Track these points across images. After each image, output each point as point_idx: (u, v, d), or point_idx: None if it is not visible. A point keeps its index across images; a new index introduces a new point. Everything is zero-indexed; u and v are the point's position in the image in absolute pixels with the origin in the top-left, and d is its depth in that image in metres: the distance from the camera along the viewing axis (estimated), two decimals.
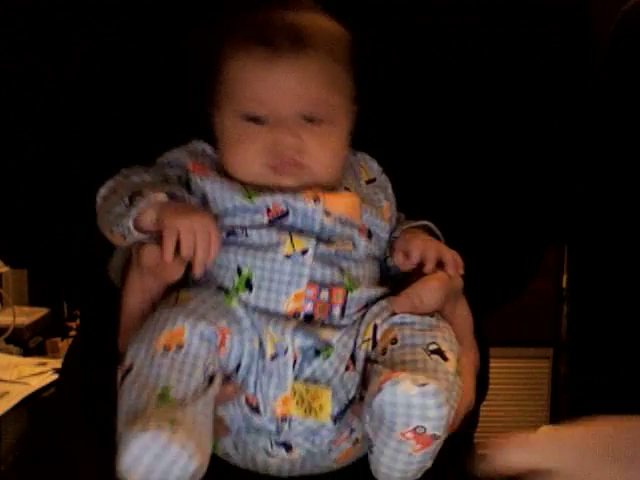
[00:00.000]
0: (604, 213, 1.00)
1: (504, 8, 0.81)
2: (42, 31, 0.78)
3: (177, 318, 0.65)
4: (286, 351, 0.67)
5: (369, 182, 0.78)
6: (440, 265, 0.74)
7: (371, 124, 0.76)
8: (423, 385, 0.61)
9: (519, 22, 0.81)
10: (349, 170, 0.77)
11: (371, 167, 0.79)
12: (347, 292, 0.70)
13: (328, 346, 0.68)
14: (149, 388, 0.61)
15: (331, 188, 0.74)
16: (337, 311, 0.70)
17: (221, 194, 0.72)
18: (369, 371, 0.68)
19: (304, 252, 0.69)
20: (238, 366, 0.68)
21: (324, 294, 0.69)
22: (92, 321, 0.88)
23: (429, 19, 0.79)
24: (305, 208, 0.70)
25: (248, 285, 0.69)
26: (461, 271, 0.74)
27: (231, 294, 0.69)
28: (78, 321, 2.11)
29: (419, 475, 0.64)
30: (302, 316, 0.69)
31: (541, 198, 0.85)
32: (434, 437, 0.62)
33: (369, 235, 0.74)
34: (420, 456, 0.62)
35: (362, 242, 0.73)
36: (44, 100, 0.78)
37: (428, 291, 0.71)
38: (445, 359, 0.66)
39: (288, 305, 0.69)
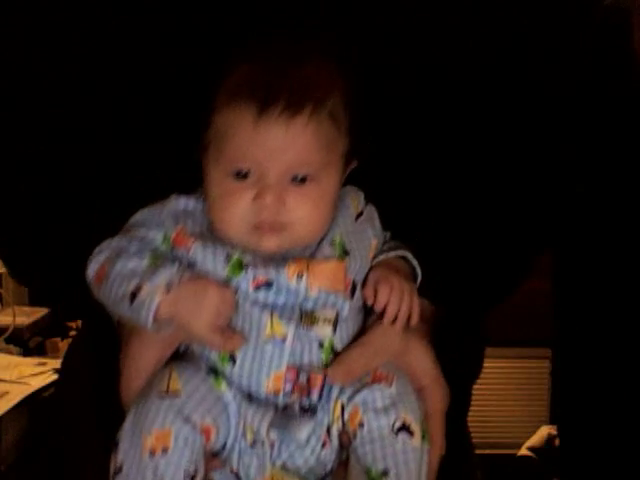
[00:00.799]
0: (601, 213, 1.00)
1: (500, 11, 0.80)
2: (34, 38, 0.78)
3: (166, 417, 0.67)
4: (263, 443, 0.70)
5: (358, 216, 0.78)
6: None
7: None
8: None
9: (517, 25, 0.81)
10: (341, 206, 0.77)
11: (358, 199, 0.79)
12: (324, 378, 0.72)
13: (301, 439, 0.71)
14: None
15: (320, 240, 0.74)
16: (315, 394, 0.72)
17: (204, 265, 0.72)
18: (348, 467, 0.71)
19: (283, 338, 0.71)
20: (223, 446, 0.71)
21: (303, 377, 0.71)
22: (92, 328, 0.88)
23: (427, 30, 0.79)
24: (288, 283, 0.71)
25: (232, 359, 0.71)
26: (413, 322, 0.75)
27: (219, 375, 0.71)
28: (78, 321, 2.11)
29: None
30: (281, 396, 0.71)
31: (535, 200, 0.85)
32: None
33: (353, 289, 0.75)
34: None
35: (346, 305, 0.73)
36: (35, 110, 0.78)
37: (358, 358, 0.73)
38: (411, 433, 0.70)
39: (268, 385, 0.71)
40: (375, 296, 0.74)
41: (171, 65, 0.76)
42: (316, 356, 0.72)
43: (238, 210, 0.71)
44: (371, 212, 0.80)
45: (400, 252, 0.79)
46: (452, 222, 0.81)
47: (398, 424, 0.70)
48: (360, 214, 0.79)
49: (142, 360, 0.73)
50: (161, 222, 0.74)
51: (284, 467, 0.71)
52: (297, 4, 0.76)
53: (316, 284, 0.71)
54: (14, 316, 1.94)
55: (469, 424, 1.05)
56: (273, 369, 0.71)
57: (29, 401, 1.63)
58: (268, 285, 0.71)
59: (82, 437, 0.89)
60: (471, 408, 1.07)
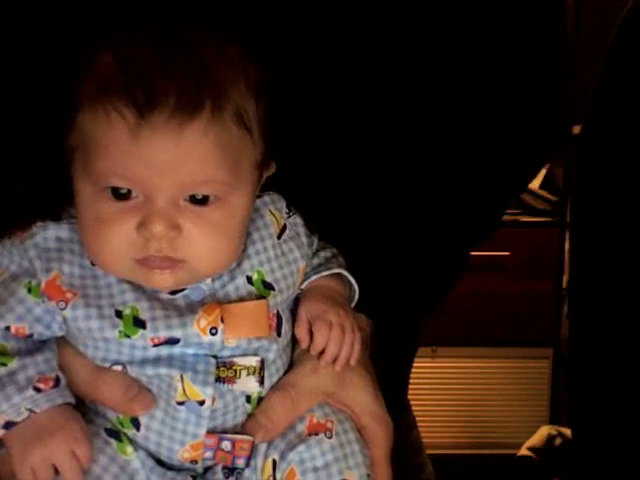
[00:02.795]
0: (604, 213, 1.00)
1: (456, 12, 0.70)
2: None
3: None
4: None
5: (279, 236, 0.64)
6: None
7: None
8: None
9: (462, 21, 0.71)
10: (259, 222, 0.64)
11: (279, 209, 0.65)
12: (253, 443, 0.60)
13: None
14: None
15: (232, 272, 0.61)
16: (241, 462, 0.60)
17: (86, 327, 0.57)
18: None
19: (201, 403, 0.58)
20: None
21: (226, 444, 0.59)
22: None
23: (356, 19, 0.67)
24: (200, 340, 0.58)
25: (134, 423, 0.59)
26: (353, 362, 0.64)
27: (122, 438, 0.58)
28: None
29: None
30: (200, 464, 0.60)
31: (464, 201, 0.77)
32: None
33: (279, 323, 0.63)
34: None
35: (273, 348, 0.62)
36: None
37: (280, 406, 0.61)
38: None
39: (183, 454, 0.59)
40: (311, 337, 0.63)
41: (30, 53, 0.61)
42: (242, 416, 0.61)
43: (118, 241, 0.55)
44: (295, 225, 0.66)
45: (334, 269, 0.66)
46: (382, 223, 0.71)
47: (339, 477, 0.60)
48: (283, 229, 0.65)
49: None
50: (21, 269, 0.58)
51: None
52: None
53: (234, 335, 0.59)
54: None
55: (469, 424, 1.05)
56: (188, 438, 0.59)
57: None
58: (173, 342, 0.58)
59: None
60: (471, 408, 1.07)
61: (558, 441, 1.95)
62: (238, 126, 0.55)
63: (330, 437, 0.61)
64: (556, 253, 2.24)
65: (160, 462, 0.60)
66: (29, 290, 0.57)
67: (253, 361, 0.60)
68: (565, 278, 1.63)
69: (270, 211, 0.64)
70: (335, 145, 0.68)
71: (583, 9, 2.14)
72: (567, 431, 1.91)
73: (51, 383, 0.56)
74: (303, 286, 0.66)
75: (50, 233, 0.59)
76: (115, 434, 0.58)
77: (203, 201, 0.55)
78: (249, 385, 0.60)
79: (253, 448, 0.60)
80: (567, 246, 1.18)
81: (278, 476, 0.60)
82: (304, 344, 0.63)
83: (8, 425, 0.54)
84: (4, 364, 0.55)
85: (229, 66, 0.56)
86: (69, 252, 0.58)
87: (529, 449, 1.97)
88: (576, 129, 1.00)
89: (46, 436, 0.54)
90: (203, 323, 0.58)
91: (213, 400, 0.59)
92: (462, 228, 0.77)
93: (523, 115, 0.74)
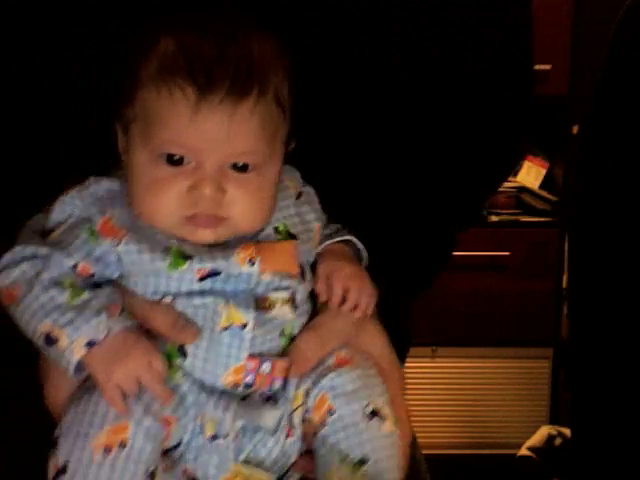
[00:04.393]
0: (604, 213, 1.00)
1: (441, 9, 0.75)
2: None
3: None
4: (226, 435, 0.64)
5: (297, 198, 0.72)
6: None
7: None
8: None
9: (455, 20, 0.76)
10: (280, 186, 0.70)
11: (295, 178, 0.73)
12: (290, 366, 0.66)
13: (266, 427, 0.66)
14: None
15: (260, 229, 0.68)
16: (278, 383, 0.66)
17: (139, 260, 0.64)
18: (316, 459, 0.67)
19: (243, 326, 0.64)
20: (178, 443, 0.65)
21: (266, 367, 0.65)
22: None
23: (365, 21, 0.73)
24: (239, 272, 0.65)
25: (182, 351, 0.64)
26: (370, 311, 0.70)
27: (172, 365, 0.64)
28: None
29: None
30: (241, 387, 0.65)
31: (449, 191, 0.81)
32: None
33: (302, 273, 0.69)
34: None
35: (300, 288, 0.68)
36: None
37: (312, 343, 0.68)
38: (382, 418, 0.66)
39: (226, 378, 0.65)
40: (330, 290, 0.69)
41: (86, 35, 0.67)
42: (276, 349, 0.66)
43: (170, 199, 0.63)
44: (310, 194, 0.73)
45: (345, 236, 0.73)
46: (378, 205, 0.77)
47: (369, 409, 0.66)
48: (299, 195, 0.72)
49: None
50: (82, 215, 0.65)
51: (247, 461, 0.65)
52: None
53: (269, 268, 0.65)
54: None
55: (469, 424, 1.05)
56: (232, 362, 0.64)
57: None
58: (215, 274, 0.64)
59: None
60: (471, 408, 1.07)
61: (558, 441, 1.95)
62: (277, 106, 0.64)
63: (356, 368, 0.68)
64: (556, 253, 2.24)
65: (206, 389, 0.65)
66: (90, 233, 0.64)
67: (285, 294, 0.67)
68: (565, 278, 1.63)
69: (287, 178, 0.71)
70: (338, 132, 0.74)
71: (583, 8, 2.14)
72: (567, 431, 1.91)
73: (119, 310, 0.63)
74: (318, 249, 0.72)
75: (103, 184, 0.66)
76: (167, 362, 0.64)
77: (244, 169, 0.64)
78: (284, 313, 0.66)
79: (288, 371, 0.66)
80: (567, 246, 1.18)
81: (310, 402, 0.66)
82: (324, 297, 0.69)
83: (90, 344, 0.60)
84: (78, 295, 0.62)
85: (270, 54, 0.64)
86: (120, 201, 0.66)
87: (529, 449, 1.98)
88: (575, 129, 1.00)
89: (124, 354, 0.61)
90: (242, 255, 0.65)
91: (254, 326, 0.65)
92: (450, 209, 0.82)
93: (499, 97, 0.80)
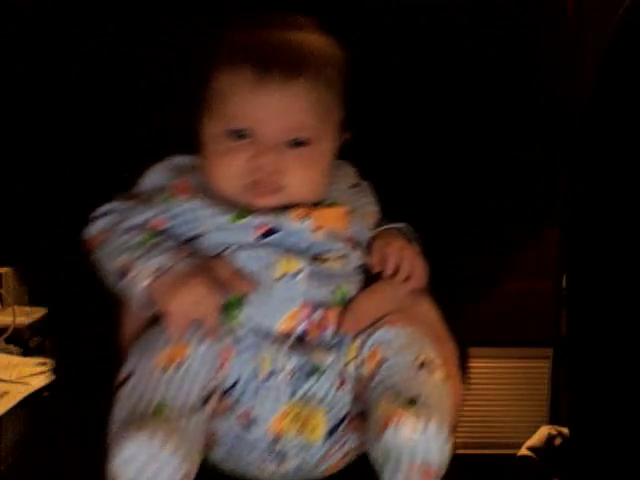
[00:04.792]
0: (604, 213, 1.00)
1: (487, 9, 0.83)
2: (44, 31, 0.79)
3: (182, 336, 0.67)
4: (281, 371, 0.68)
5: (352, 187, 0.78)
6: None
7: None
8: (425, 425, 0.63)
9: (503, 21, 0.83)
10: (335, 174, 0.77)
11: (352, 172, 0.79)
12: (339, 310, 0.71)
13: (320, 367, 0.70)
14: (145, 401, 0.63)
15: (315, 203, 0.74)
16: (330, 331, 0.71)
17: (205, 214, 0.72)
18: (367, 403, 0.69)
19: (297, 273, 0.70)
20: (235, 383, 0.69)
21: (318, 314, 0.70)
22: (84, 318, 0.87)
23: (419, 24, 0.81)
24: (294, 226, 0.71)
25: (240, 302, 0.70)
26: (421, 286, 0.75)
27: (230, 315, 0.70)
28: None
29: None
30: (295, 335, 0.70)
31: (517, 197, 0.85)
32: (438, 471, 0.64)
33: (355, 245, 0.74)
34: None
35: (352, 253, 0.74)
36: (42, 101, 0.80)
37: (367, 305, 0.72)
38: (432, 371, 0.68)
39: (281, 325, 0.70)
40: (384, 262, 0.74)
41: (171, 35, 0.78)
42: (330, 297, 0.71)
43: (234, 168, 0.71)
44: (365, 187, 0.79)
45: (398, 225, 0.78)
46: (432, 219, 0.81)
47: (420, 360, 0.68)
48: (355, 185, 0.79)
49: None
50: (162, 183, 0.75)
51: (302, 398, 0.69)
52: None
53: (322, 226, 0.72)
54: (14, 316, 1.94)
55: (469, 424, 1.05)
56: (286, 309, 0.70)
57: (29, 401, 1.63)
58: (273, 232, 0.71)
59: (79, 436, 0.89)
60: (471, 408, 1.07)
61: (558, 441, 1.95)
62: (328, 91, 0.72)
63: (409, 328, 0.71)
64: (556, 253, 2.24)
65: (263, 335, 0.70)
66: (168, 195, 0.73)
67: (339, 253, 0.73)
68: (565, 278, 1.63)
69: (345, 171, 0.79)
70: (395, 132, 0.81)
71: (582, 8, 2.14)
72: (567, 431, 1.91)
73: (186, 253, 0.70)
74: (372, 234, 0.77)
75: (181, 159, 0.76)
76: (225, 310, 0.69)
77: (301, 143, 0.71)
78: (337, 267, 0.72)
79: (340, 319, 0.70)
80: (565, 246, 1.18)
81: (364, 354, 0.70)
82: (378, 268, 0.74)
83: (156, 272, 0.68)
84: (150, 239, 0.71)
85: (323, 47, 0.73)
86: (192, 174, 0.74)
87: (529, 449, 1.97)
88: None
89: (185, 283, 0.67)
90: (296, 213, 0.71)
91: (308, 275, 0.70)
92: (514, 219, 0.86)
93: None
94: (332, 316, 0.71)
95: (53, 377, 0.93)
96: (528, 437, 2.02)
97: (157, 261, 0.69)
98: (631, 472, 0.99)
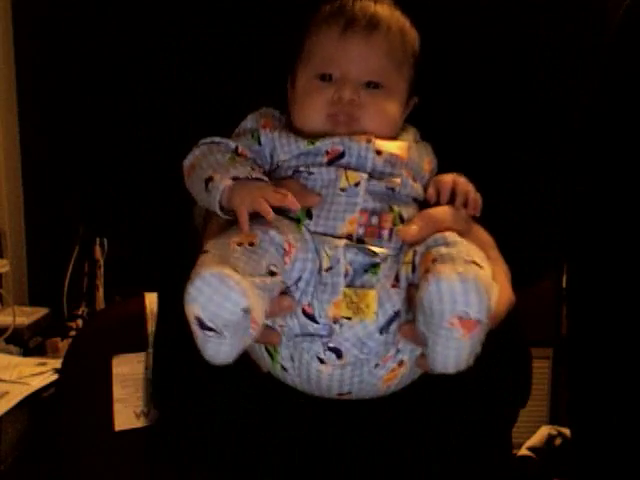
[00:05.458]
0: (604, 213, 1.00)
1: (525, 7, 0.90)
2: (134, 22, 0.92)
3: (252, 227, 0.76)
4: (338, 261, 0.76)
5: (417, 142, 0.87)
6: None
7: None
8: (464, 274, 0.69)
9: (508, 18, 0.89)
10: (400, 132, 0.87)
11: (417, 134, 0.88)
12: (394, 217, 0.79)
13: (376, 264, 0.77)
14: (220, 265, 0.70)
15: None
16: (386, 234, 0.79)
17: (287, 141, 0.84)
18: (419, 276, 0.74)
19: (357, 184, 0.80)
20: (298, 280, 0.77)
21: (374, 219, 0.79)
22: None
23: (474, 20, 0.89)
24: (359, 147, 0.81)
25: (309, 214, 0.79)
26: (478, 213, 0.82)
27: (299, 222, 0.79)
28: (78, 321, 2.11)
29: (471, 362, 0.71)
30: (355, 238, 0.78)
31: (517, 197, 0.90)
32: (478, 322, 0.69)
33: (414, 179, 0.83)
34: (468, 340, 0.69)
35: (409, 182, 0.82)
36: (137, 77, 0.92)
37: (428, 219, 0.79)
38: (481, 267, 0.71)
39: (342, 229, 0.78)
40: (441, 191, 0.82)
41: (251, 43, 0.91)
42: (386, 210, 0.79)
43: (319, 102, 0.83)
44: (427, 145, 0.88)
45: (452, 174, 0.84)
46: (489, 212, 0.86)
47: (469, 258, 0.72)
48: (419, 142, 0.87)
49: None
50: (251, 126, 0.87)
51: (359, 285, 0.76)
52: None
53: (383, 148, 0.81)
54: (14, 316, 1.94)
55: None
56: (348, 214, 0.79)
57: (29, 401, 1.62)
58: (341, 156, 0.82)
59: (82, 436, 0.90)
60: None
61: (558, 441, 1.95)
62: (401, 49, 0.84)
63: (462, 239, 0.76)
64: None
65: (324, 237, 0.79)
66: (252, 136, 0.86)
67: (396, 177, 0.82)
68: (565, 278, 1.63)
69: (408, 130, 0.88)
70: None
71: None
72: (567, 431, 1.91)
73: (262, 170, 0.83)
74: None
75: (269, 110, 0.89)
76: (295, 219, 0.79)
77: (376, 86, 0.83)
78: (394, 184, 0.81)
79: (394, 223, 0.79)
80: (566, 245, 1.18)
81: (417, 258, 0.76)
82: (434, 199, 0.82)
83: (234, 179, 0.79)
84: (234, 159, 0.83)
85: (400, 19, 0.85)
86: (278, 119, 0.88)
87: (529, 449, 1.97)
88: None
89: (257, 188, 0.78)
90: (362, 137, 0.82)
91: (367, 185, 0.80)
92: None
93: None
94: (388, 221, 0.79)
95: (55, 376, 0.93)
96: (528, 437, 2.02)
97: (235, 171, 0.80)
98: (632, 472, 0.99)
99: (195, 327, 0.68)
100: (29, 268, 2.23)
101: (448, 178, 0.83)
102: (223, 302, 0.67)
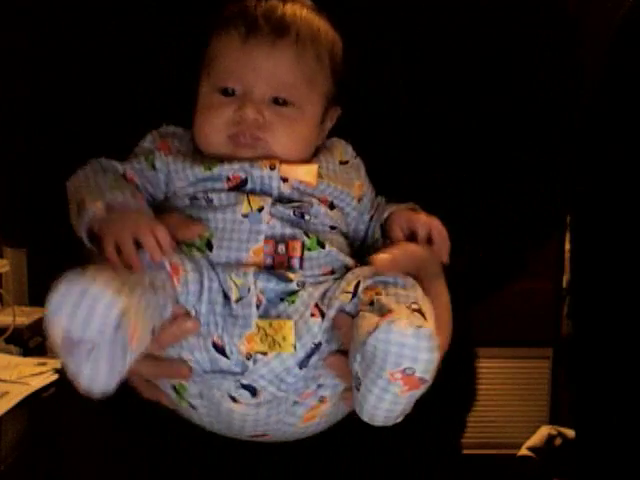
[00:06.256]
0: (604, 212, 1.00)
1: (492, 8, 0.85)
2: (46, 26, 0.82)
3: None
4: (249, 290, 0.69)
5: (342, 163, 0.79)
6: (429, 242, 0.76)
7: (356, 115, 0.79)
8: (419, 327, 0.62)
9: (506, 18, 0.85)
10: (323, 151, 0.79)
11: (346, 151, 0.81)
12: (303, 244, 0.72)
13: (293, 292, 0.70)
14: (85, 272, 0.63)
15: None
16: (296, 263, 0.72)
17: (182, 167, 0.75)
18: (355, 319, 0.67)
19: (260, 210, 0.72)
20: (201, 306, 0.69)
21: (281, 248, 0.72)
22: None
23: (419, 18, 0.82)
24: (262, 174, 0.73)
25: (209, 245, 0.71)
26: (447, 261, 0.75)
27: (191, 247, 0.72)
28: None
29: (400, 419, 0.65)
30: (263, 267, 0.71)
31: (529, 194, 0.86)
32: (422, 380, 0.63)
33: (331, 207, 0.76)
34: (406, 398, 0.63)
35: (321, 210, 0.75)
36: (48, 89, 0.83)
37: (403, 254, 0.73)
38: (425, 319, 0.66)
39: (248, 260, 0.71)
40: (413, 229, 0.75)
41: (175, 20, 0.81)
42: (298, 228, 0.73)
43: (219, 120, 0.74)
44: (358, 164, 0.81)
45: (410, 205, 0.79)
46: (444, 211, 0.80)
47: (415, 306, 0.66)
48: (345, 162, 0.79)
49: None
50: (148, 146, 0.78)
51: (275, 316, 0.69)
52: None
53: (289, 174, 0.74)
54: (14, 316, 1.94)
55: (469, 424, 1.05)
56: (252, 244, 0.71)
57: (29, 401, 1.62)
58: (243, 184, 0.74)
59: (82, 437, 0.89)
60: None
61: (558, 441, 1.95)
62: (314, 59, 0.75)
63: (414, 283, 0.71)
64: (556, 253, 2.24)
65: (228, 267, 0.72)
66: (147, 159, 0.77)
67: (304, 205, 0.74)
68: (565, 278, 1.63)
69: (336, 147, 0.80)
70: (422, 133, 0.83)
71: (582, 8, 2.14)
72: (567, 431, 1.91)
73: (140, 197, 0.74)
74: (385, 214, 0.78)
75: (170, 128, 0.80)
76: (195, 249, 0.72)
77: (284, 103, 0.74)
78: (303, 207, 0.74)
79: (304, 250, 0.72)
80: (567, 246, 1.18)
81: (360, 290, 0.69)
82: (401, 238, 0.75)
83: (108, 207, 0.71)
84: (115, 181, 0.74)
85: (315, 21, 0.76)
86: (178, 139, 0.79)
87: (529, 449, 1.97)
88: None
89: (133, 220, 0.70)
90: (265, 162, 0.73)
91: (270, 211, 0.72)
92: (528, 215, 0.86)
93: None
94: (297, 249, 0.72)
95: (55, 376, 0.92)
96: (528, 437, 2.02)
97: (112, 197, 0.72)
98: (633, 472, 0.99)
99: (63, 346, 0.59)
100: (29, 268, 2.23)
101: (425, 219, 0.75)
102: (93, 305, 0.59)
